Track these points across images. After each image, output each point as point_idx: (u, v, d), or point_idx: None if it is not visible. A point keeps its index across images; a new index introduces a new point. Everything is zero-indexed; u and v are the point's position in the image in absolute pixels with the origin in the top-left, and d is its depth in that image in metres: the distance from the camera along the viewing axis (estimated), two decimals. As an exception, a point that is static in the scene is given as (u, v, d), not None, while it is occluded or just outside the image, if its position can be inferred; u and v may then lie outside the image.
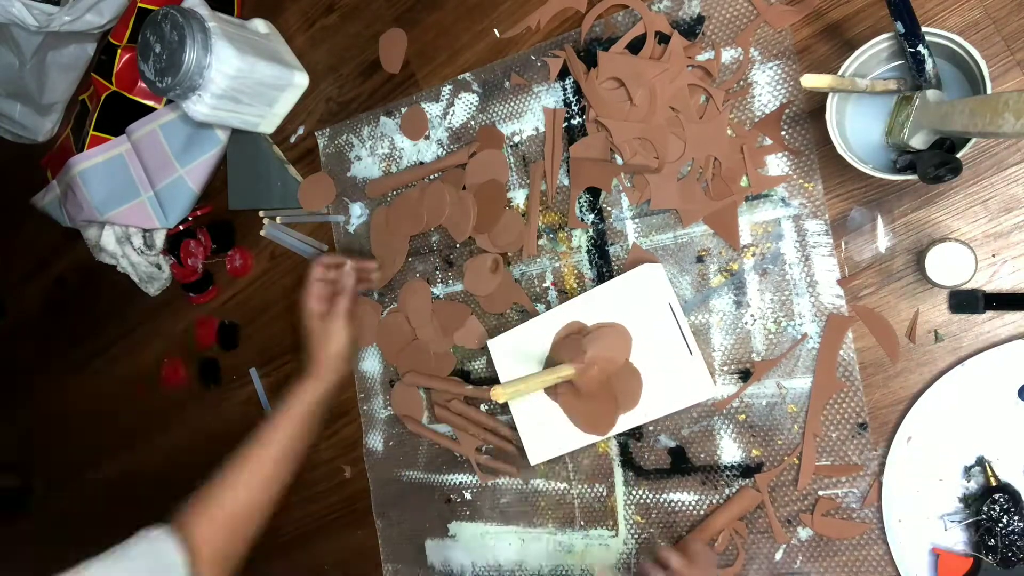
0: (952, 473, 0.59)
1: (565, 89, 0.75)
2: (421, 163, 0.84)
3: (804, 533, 0.65)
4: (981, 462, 0.57)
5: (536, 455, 0.73)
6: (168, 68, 0.82)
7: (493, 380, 0.79)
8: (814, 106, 0.63)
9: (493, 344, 0.74)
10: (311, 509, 0.98)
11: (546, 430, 0.72)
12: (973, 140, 0.52)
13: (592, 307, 0.69)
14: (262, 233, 0.98)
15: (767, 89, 0.65)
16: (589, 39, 0.72)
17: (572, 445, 0.71)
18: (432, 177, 0.83)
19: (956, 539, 0.59)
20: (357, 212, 0.90)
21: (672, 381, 0.66)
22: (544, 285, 0.77)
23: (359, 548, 0.91)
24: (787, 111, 0.64)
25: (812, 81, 0.53)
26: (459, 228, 0.80)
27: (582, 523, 0.76)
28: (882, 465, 0.61)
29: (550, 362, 0.71)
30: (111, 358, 1.24)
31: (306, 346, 0.75)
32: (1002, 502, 0.56)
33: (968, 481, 0.58)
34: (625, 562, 0.73)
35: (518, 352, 0.73)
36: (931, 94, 0.52)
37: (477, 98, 0.80)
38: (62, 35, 1.07)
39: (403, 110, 0.85)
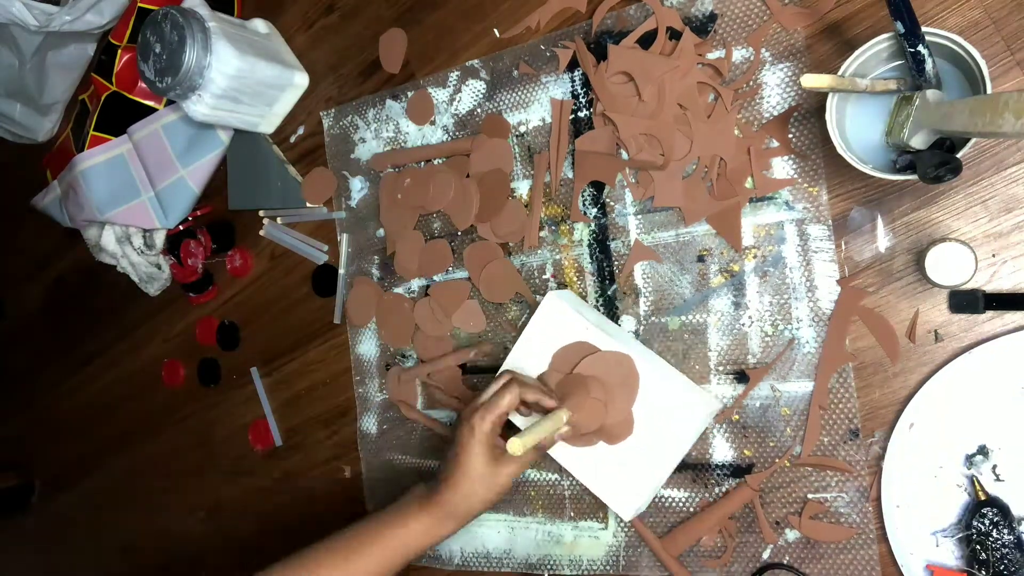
0: (953, 461, 0.59)
1: (573, 81, 0.75)
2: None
3: (792, 535, 0.65)
4: (983, 450, 0.58)
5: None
6: (168, 68, 0.82)
7: (490, 369, 0.80)
8: (814, 106, 0.63)
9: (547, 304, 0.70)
10: (311, 510, 0.98)
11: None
12: (973, 140, 0.52)
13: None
14: (262, 233, 0.99)
15: (776, 91, 0.65)
16: (600, 31, 0.72)
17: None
18: (437, 161, 0.83)
19: (949, 554, 0.59)
20: (357, 187, 0.90)
21: (668, 409, 0.64)
22: (544, 277, 0.77)
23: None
24: (795, 114, 0.64)
25: (812, 81, 0.53)
26: (461, 215, 0.80)
27: (572, 514, 0.76)
28: (882, 459, 0.61)
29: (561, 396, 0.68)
30: (111, 358, 1.24)
31: (450, 469, 0.62)
32: (991, 516, 0.56)
33: (969, 469, 0.58)
34: (614, 555, 0.73)
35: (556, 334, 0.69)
36: (931, 94, 0.52)
37: (484, 86, 0.80)
38: (62, 35, 1.07)
39: (409, 94, 0.85)
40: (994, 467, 0.57)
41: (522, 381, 0.65)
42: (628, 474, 0.65)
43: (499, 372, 0.67)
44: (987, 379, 0.57)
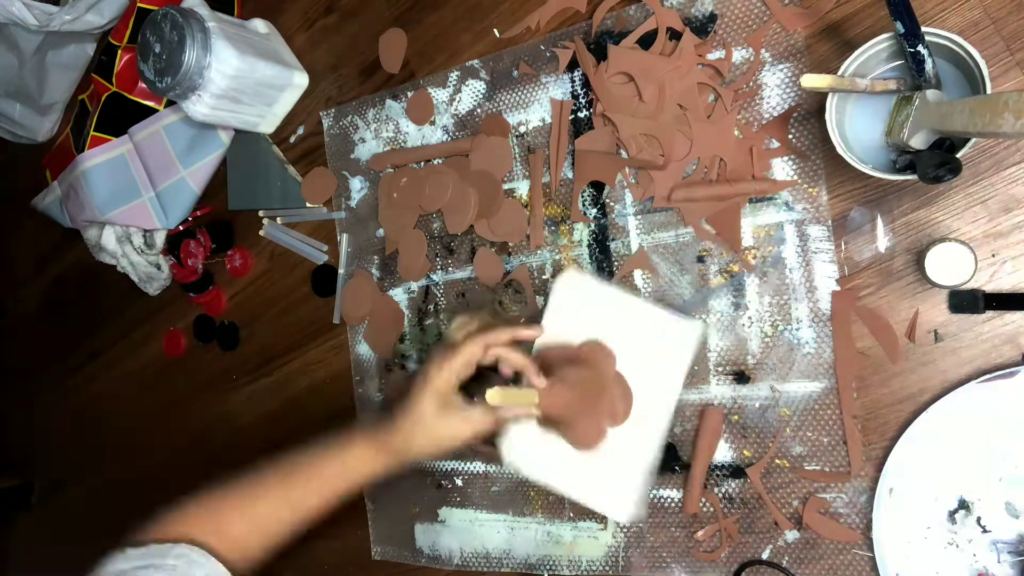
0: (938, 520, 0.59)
1: (573, 81, 0.74)
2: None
3: (791, 535, 0.65)
4: (964, 504, 0.58)
5: (509, 455, 0.69)
6: (168, 68, 0.82)
7: (490, 368, 0.79)
8: (814, 106, 0.63)
9: (565, 277, 0.70)
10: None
11: (530, 444, 0.68)
12: (973, 140, 0.52)
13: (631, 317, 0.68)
14: (261, 233, 0.99)
15: (776, 91, 0.65)
16: (600, 32, 0.72)
17: (538, 476, 0.68)
18: (437, 162, 0.83)
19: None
20: (357, 187, 0.90)
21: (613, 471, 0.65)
22: (544, 277, 0.77)
23: (360, 548, 0.91)
24: (795, 114, 0.64)
25: (812, 81, 0.53)
26: (459, 215, 0.80)
27: (571, 514, 0.76)
28: (882, 464, 0.61)
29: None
30: (111, 358, 1.24)
31: (405, 407, 0.62)
32: None
33: (953, 525, 0.58)
34: (613, 555, 0.73)
35: (576, 305, 0.69)
36: (931, 94, 0.52)
37: (484, 86, 0.80)
38: (62, 35, 1.07)
39: (409, 94, 0.85)
40: (978, 519, 0.58)
41: (492, 339, 0.63)
42: (539, 447, 0.67)
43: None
44: (954, 431, 0.58)
